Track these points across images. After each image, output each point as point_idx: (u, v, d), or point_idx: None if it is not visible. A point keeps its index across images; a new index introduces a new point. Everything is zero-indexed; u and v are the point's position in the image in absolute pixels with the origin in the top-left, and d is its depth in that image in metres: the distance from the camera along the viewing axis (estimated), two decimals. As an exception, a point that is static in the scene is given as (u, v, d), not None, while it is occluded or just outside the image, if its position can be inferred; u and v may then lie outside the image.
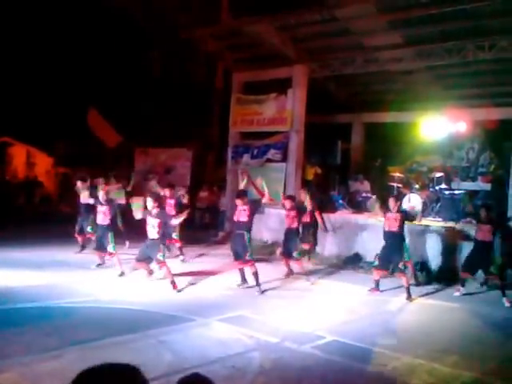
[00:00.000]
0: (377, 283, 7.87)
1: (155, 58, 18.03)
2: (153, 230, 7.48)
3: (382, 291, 7.90)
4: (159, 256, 7.47)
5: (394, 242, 7.69)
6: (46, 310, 6.19)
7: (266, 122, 12.89)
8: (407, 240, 8.45)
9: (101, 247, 8.72)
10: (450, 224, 9.70)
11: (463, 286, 7.97)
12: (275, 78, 12.56)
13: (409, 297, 7.53)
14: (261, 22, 11.06)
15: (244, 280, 7.89)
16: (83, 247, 10.04)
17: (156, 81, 17.82)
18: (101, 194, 8.88)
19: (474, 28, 9.90)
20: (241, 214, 7.80)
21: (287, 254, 8.64)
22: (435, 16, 9.73)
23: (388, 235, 7.78)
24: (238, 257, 7.79)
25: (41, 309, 6.19)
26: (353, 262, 10.08)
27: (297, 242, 8.62)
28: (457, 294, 7.92)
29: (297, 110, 12.34)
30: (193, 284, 7.98)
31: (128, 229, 10.07)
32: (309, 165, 13.68)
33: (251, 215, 7.78)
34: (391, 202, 7.95)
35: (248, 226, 7.76)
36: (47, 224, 13.30)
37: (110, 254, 8.59)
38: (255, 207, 7.99)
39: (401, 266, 7.54)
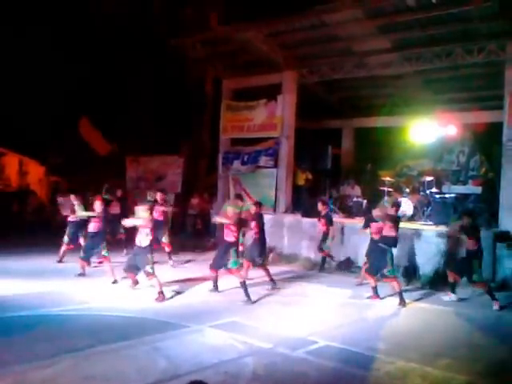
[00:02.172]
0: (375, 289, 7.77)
1: (145, 65, 18.03)
2: (146, 237, 7.39)
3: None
4: (149, 268, 7.33)
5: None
6: (38, 318, 6.14)
7: (257, 128, 12.93)
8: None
9: (88, 257, 8.68)
10: (442, 228, 9.74)
11: (454, 292, 7.84)
12: (265, 84, 12.62)
13: (401, 302, 7.45)
14: (250, 28, 11.12)
15: (216, 287, 7.83)
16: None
17: (146, 89, 17.83)
18: (97, 205, 8.78)
19: (462, 32, 10.02)
20: (227, 232, 7.60)
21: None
22: (423, 20, 9.86)
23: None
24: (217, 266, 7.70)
25: (34, 317, 6.14)
26: (345, 266, 10.09)
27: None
28: (446, 298, 7.84)
29: (287, 116, 12.39)
30: (186, 290, 7.93)
31: (127, 237, 10.04)
32: (300, 170, 13.70)
33: (238, 236, 7.58)
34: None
35: (235, 246, 7.55)
36: (40, 232, 13.22)
37: (104, 257, 8.53)
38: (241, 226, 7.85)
39: (385, 271, 7.50)
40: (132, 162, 17.24)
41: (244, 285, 7.36)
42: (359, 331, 6.16)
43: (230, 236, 7.54)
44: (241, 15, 11.11)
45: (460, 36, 10.10)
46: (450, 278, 7.95)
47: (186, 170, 16.14)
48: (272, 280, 8.36)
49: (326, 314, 6.98)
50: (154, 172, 16.55)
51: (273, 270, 9.85)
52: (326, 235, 9.90)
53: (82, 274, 8.68)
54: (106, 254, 8.50)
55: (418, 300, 7.89)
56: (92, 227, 8.75)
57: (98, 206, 8.79)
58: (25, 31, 16.91)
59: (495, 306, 7.42)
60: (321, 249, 10.02)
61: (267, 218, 11.84)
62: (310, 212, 11.45)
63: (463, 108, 13.60)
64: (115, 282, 8.19)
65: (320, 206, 10.14)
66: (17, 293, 7.27)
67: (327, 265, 10.26)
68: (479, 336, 6.27)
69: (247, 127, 13.13)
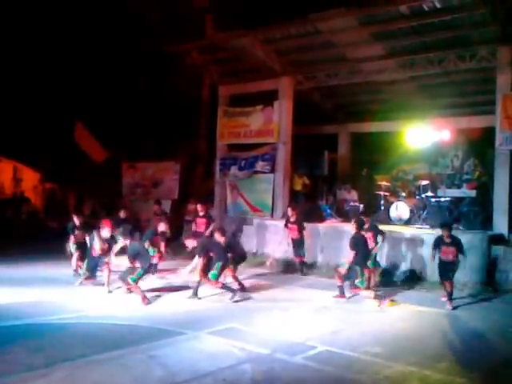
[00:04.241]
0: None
1: (142, 72, 18.08)
2: None
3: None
4: (130, 279, 7.53)
5: None
6: (33, 327, 6.10)
7: (253, 134, 12.98)
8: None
9: (93, 275, 8.51)
10: (437, 231, 9.78)
11: (450, 299, 7.65)
12: (261, 91, 12.68)
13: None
14: (245, 35, 11.21)
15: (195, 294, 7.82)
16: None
17: (143, 95, 17.86)
18: (106, 232, 8.32)
19: (454, 39, 10.15)
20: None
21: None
22: (416, 27, 9.98)
23: None
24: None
25: (28, 326, 6.11)
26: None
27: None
28: (448, 307, 7.60)
29: (283, 122, 12.45)
30: (181, 297, 7.91)
31: None
32: (297, 175, 13.79)
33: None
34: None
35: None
36: (34, 240, 13.17)
37: (106, 265, 8.28)
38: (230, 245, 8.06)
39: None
40: (128, 169, 17.22)
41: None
42: (357, 335, 6.17)
43: None
44: (237, 22, 11.17)
45: (452, 42, 10.23)
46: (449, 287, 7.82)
47: (183, 176, 16.16)
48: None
49: (323, 318, 6.99)
50: (151, 178, 16.54)
51: (270, 275, 9.90)
52: (301, 241, 9.92)
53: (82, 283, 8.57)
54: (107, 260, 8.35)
55: (415, 303, 7.91)
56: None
57: (106, 232, 8.28)
58: (19, 35, 16.92)
59: (448, 306, 7.50)
60: (298, 255, 10.05)
61: (265, 223, 11.94)
62: (308, 217, 11.50)
63: (457, 113, 13.73)
64: (110, 292, 8.12)
65: (290, 212, 10.10)
66: (10, 301, 7.23)
67: (321, 269, 10.32)
68: (477, 339, 6.30)
69: (244, 133, 13.18)
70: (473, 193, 11.15)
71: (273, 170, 12.64)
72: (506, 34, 9.54)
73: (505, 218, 9.63)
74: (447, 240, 7.70)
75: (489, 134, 10.65)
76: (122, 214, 10.79)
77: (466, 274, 8.72)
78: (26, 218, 17.53)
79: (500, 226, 9.63)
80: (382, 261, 9.60)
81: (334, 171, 15.30)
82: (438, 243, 7.86)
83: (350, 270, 7.80)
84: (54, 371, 4.67)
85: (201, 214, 10.68)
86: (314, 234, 10.94)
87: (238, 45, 11.54)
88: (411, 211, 11.32)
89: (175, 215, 14.47)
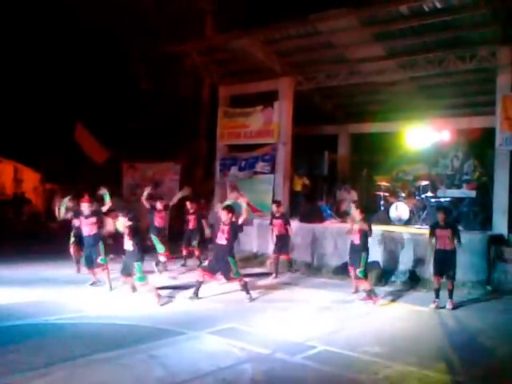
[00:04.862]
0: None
1: (142, 72, 18.11)
2: (128, 241, 7.42)
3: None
4: (136, 280, 7.42)
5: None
6: (33, 327, 6.11)
7: (254, 135, 13.00)
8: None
9: (91, 263, 8.47)
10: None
11: (437, 297, 7.62)
12: (261, 91, 12.70)
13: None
14: (245, 36, 11.23)
15: (196, 294, 7.78)
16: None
17: (143, 95, 17.88)
18: (85, 207, 8.55)
19: (454, 39, 10.15)
20: (221, 235, 7.67)
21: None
22: (416, 28, 9.99)
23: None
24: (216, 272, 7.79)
25: (28, 326, 6.12)
26: (342, 271, 10.11)
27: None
28: (432, 306, 7.56)
29: (283, 122, 12.46)
30: (181, 297, 7.92)
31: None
32: (297, 176, 13.80)
33: (231, 238, 7.64)
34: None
35: (229, 250, 7.67)
36: (35, 241, 13.19)
37: (101, 266, 8.33)
38: (235, 229, 7.76)
39: (357, 272, 7.79)
40: (129, 169, 17.24)
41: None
42: (357, 335, 6.18)
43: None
44: (236, 23, 11.20)
45: (453, 43, 10.22)
46: (434, 279, 7.83)
47: (183, 177, 16.18)
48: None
49: (323, 318, 7.00)
50: (151, 179, 16.55)
51: (270, 275, 9.90)
52: (286, 237, 9.86)
53: (95, 283, 8.53)
54: (103, 262, 8.39)
55: (414, 302, 7.92)
56: (88, 230, 8.51)
57: (85, 206, 8.53)
58: (20, 36, 16.96)
59: (449, 306, 7.50)
60: (285, 253, 9.95)
61: (266, 223, 11.93)
62: (308, 217, 11.51)
63: (457, 114, 13.73)
64: (111, 289, 8.16)
65: (275, 208, 10.06)
66: (11, 301, 7.24)
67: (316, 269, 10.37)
68: (478, 339, 6.30)
69: (244, 133, 13.19)
70: (473, 193, 11.14)
71: (273, 171, 12.65)
72: (506, 34, 9.54)
73: (505, 218, 9.63)
74: (442, 223, 7.72)
75: (489, 134, 10.65)
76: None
77: (466, 274, 8.72)
78: (26, 219, 17.57)
79: (500, 226, 9.63)
80: (382, 261, 9.63)
81: (334, 172, 15.31)
82: (434, 228, 7.81)
83: (353, 254, 7.93)
84: (53, 371, 4.67)
85: (191, 211, 10.73)
86: (314, 235, 10.97)
87: (237, 46, 11.55)
88: (411, 211, 11.33)
89: (175, 216, 14.49)
